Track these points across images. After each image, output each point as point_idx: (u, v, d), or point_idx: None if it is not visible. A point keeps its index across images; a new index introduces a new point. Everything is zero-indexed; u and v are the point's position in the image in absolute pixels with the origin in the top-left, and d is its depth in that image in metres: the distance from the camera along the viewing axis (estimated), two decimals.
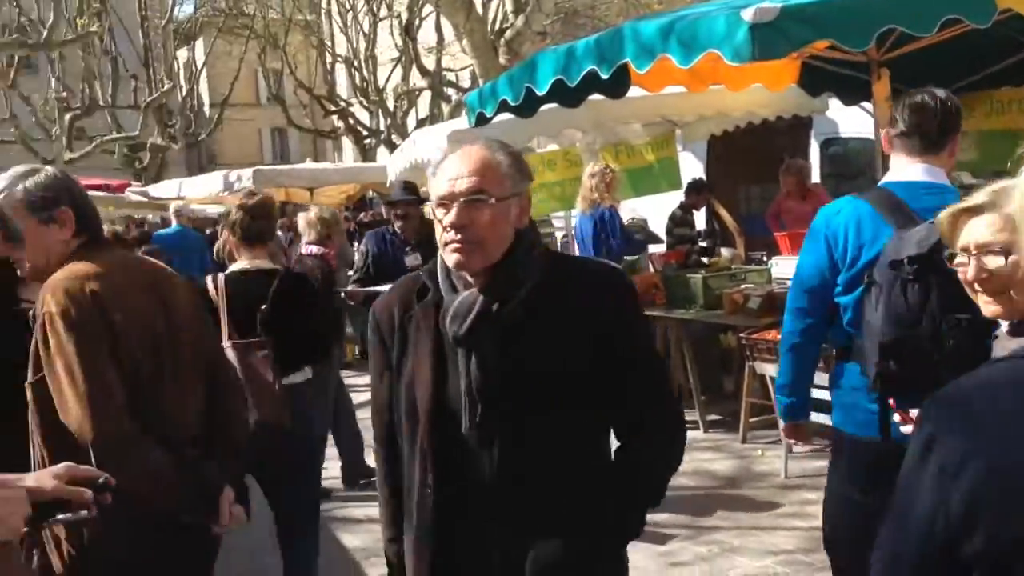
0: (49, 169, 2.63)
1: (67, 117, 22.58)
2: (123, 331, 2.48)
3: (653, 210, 9.67)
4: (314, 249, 5.82)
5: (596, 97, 6.14)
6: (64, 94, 23.49)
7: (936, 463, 1.12)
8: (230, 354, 3.85)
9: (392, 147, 23.75)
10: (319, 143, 36.70)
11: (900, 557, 1.18)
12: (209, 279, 4.08)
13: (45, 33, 15.30)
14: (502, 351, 1.96)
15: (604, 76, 5.16)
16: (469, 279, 2.00)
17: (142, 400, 2.48)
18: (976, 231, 2.09)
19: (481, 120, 6.51)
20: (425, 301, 2.06)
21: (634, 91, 6.09)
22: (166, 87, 23.74)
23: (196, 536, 2.56)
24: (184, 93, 28.74)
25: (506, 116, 6.37)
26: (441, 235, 1.97)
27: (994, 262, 2.03)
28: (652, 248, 8.56)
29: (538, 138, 8.50)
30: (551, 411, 1.95)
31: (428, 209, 7.29)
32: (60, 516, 1.88)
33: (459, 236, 1.93)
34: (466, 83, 22.43)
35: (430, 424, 1.99)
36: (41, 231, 2.48)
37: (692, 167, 10.04)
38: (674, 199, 9.43)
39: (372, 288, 5.82)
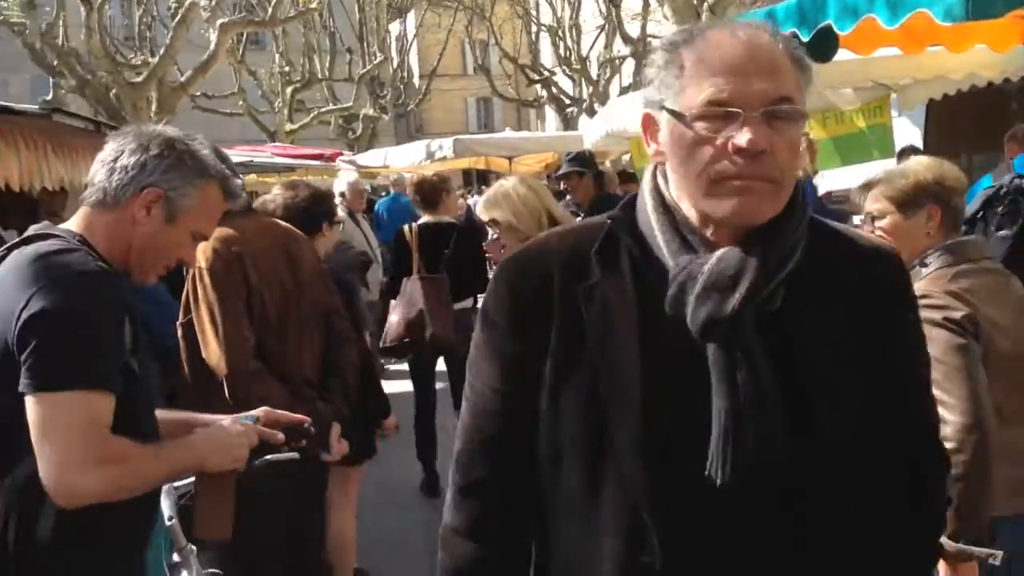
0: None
1: (288, 90, 23.94)
2: (256, 286, 3.03)
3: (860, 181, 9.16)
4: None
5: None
6: (287, 68, 24.91)
7: None
8: (417, 285, 5.26)
9: (594, 115, 23.71)
10: (522, 112, 37.22)
11: None
12: (405, 227, 5.62)
13: (271, 10, 16.25)
14: (772, 352, 1.26)
15: (804, 39, 4.93)
16: (711, 239, 1.29)
17: (268, 344, 3.05)
18: (867, 202, 2.63)
19: None
20: (616, 266, 1.32)
21: (843, 54, 5.78)
22: (378, 60, 24.71)
23: (310, 465, 2.80)
24: (395, 65, 29.81)
25: None
26: (704, 165, 1.23)
27: (878, 224, 2.53)
28: (856, 220, 8.14)
29: None
30: (846, 440, 1.27)
31: (612, 172, 7.27)
32: (270, 456, 2.03)
33: (752, 167, 1.22)
34: None
35: (644, 464, 1.25)
36: None
37: (908, 134, 9.45)
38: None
39: None
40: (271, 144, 20.34)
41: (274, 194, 3.77)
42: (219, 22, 15.12)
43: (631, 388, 1.26)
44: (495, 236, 3.63)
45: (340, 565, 3.92)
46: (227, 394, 2.99)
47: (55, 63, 16.71)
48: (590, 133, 9.78)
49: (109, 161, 1.89)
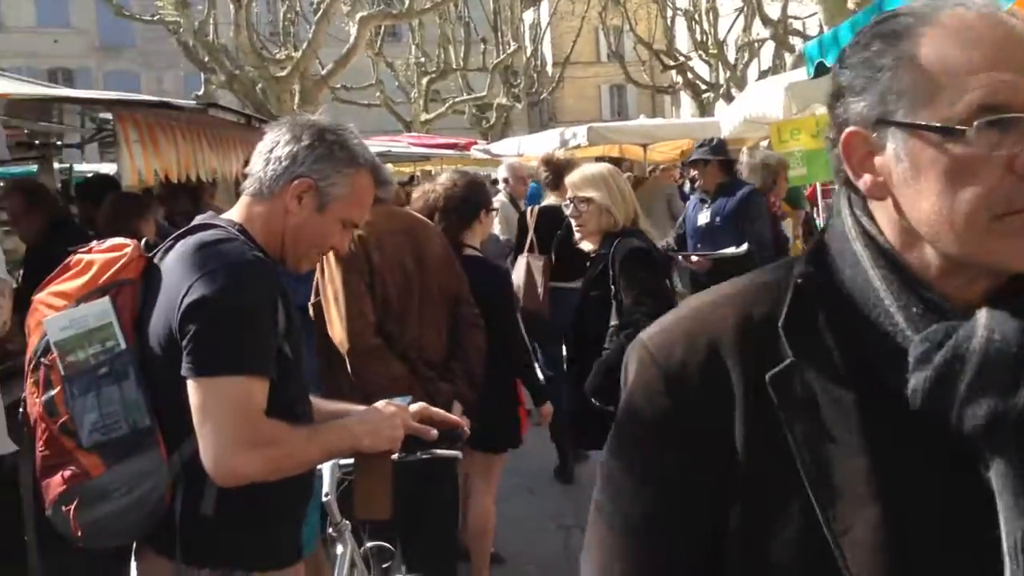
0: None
1: (424, 81, 24.38)
2: (378, 267, 3.21)
3: None
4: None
5: None
6: (422, 59, 25.36)
7: None
8: (522, 262, 5.66)
9: (731, 100, 23.21)
10: (656, 99, 36.74)
11: None
12: (528, 209, 5.98)
13: (408, 3, 16.57)
14: None
15: None
16: (955, 296, 0.94)
17: (389, 325, 3.22)
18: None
19: (821, 70, 6.16)
20: (818, 343, 0.96)
21: None
22: (512, 49, 24.84)
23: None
24: (528, 54, 29.92)
25: None
26: (983, 195, 0.89)
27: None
28: None
29: None
30: None
31: (746, 161, 7.13)
32: (436, 450, 2.09)
33: None
34: (812, 31, 21.33)
35: None
36: None
37: None
38: None
39: (722, 252, 5.74)
40: (407, 134, 20.76)
41: (435, 183, 3.97)
42: (359, 16, 15.51)
43: (867, 514, 0.90)
44: (576, 214, 3.68)
45: (478, 550, 3.99)
46: (349, 370, 3.19)
47: (206, 59, 17.52)
48: (727, 119, 9.57)
49: (265, 152, 1.96)
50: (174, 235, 1.95)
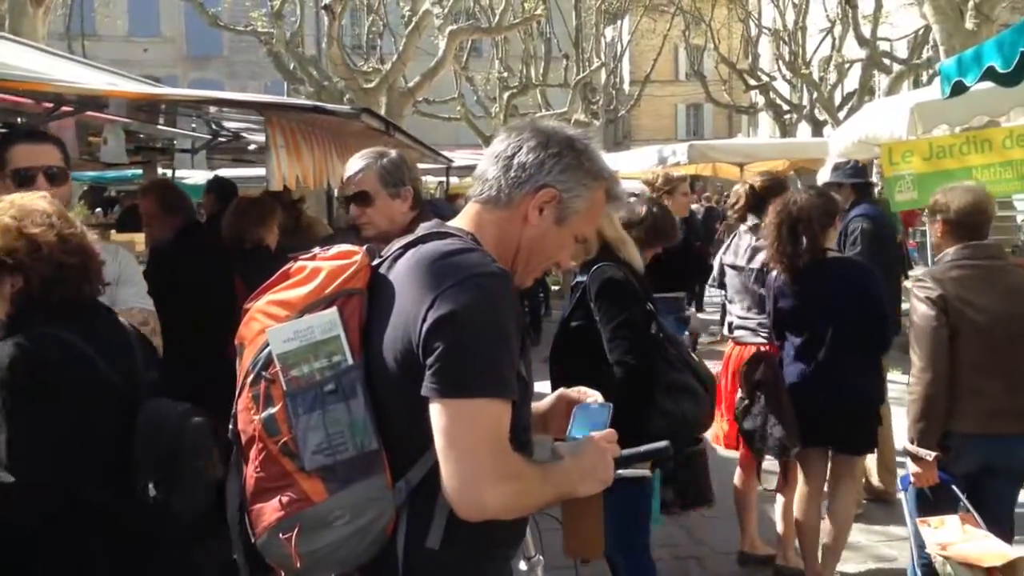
0: (394, 153, 3.30)
1: (505, 96, 24.37)
2: None
3: None
4: None
5: None
6: (504, 74, 25.37)
7: None
8: None
9: (815, 122, 22.82)
10: (734, 119, 36.30)
11: None
12: None
13: (496, 18, 16.57)
14: None
15: None
16: None
17: None
18: None
19: (958, 89, 5.91)
20: None
21: None
22: (595, 66, 24.72)
23: None
24: (608, 71, 29.79)
25: (985, 85, 5.74)
26: None
27: None
28: None
29: (1015, 110, 7.60)
30: None
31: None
32: (624, 472, 1.92)
33: None
34: (901, 53, 20.84)
35: None
36: (389, 202, 3.19)
37: None
38: None
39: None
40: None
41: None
42: (448, 30, 15.54)
43: None
44: None
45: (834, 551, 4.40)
46: None
47: (295, 70, 17.73)
48: (838, 139, 9.31)
49: (505, 157, 1.82)
50: (402, 244, 1.81)
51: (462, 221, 1.86)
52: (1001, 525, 3.53)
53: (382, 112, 15.78)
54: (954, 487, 3.46)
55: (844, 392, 4.16)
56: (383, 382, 1.70)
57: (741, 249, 4.95)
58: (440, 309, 1.62)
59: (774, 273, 4.41)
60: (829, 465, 4.46)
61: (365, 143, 5.79)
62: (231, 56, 38.32)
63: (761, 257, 4.70)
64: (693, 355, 3.71)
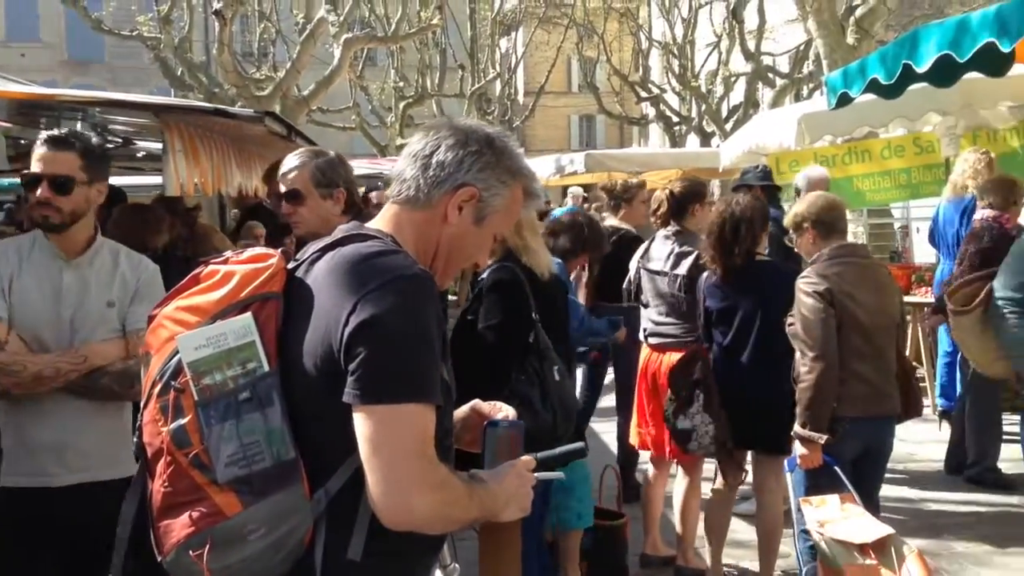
0: (332, 153, 3.28)
1: (401, 105, 24.25)
2: None
3: None
4: (988, 213, 5.98)
5: (971, 76, 5.61)
6: (400, 84, 25.25)
7: None
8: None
9: (703, 133, 23.45)
10: (626, 130, 36.97)
11: None
12: None
13: (392, 27, 16.48)
14: None
15: (1005, 49, 4.69)
16: None
17: None
18: None
19: (843, 100, 6.16)
20: None
21: (1017, 68, 5.51)
22: (490, 76, 24.83)
23: None
24: (503, 82, 29.95)
25: (868, 97, 6.01)
26: None
27: None
28: None
29: (895, 121, 7.94)
30: None
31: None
32: (537, 474, 1.90)
33: None
34: (784, 68, 21.62)
35: None
36: (320, 202, 3.18)
37: None
38: None
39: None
40: (387, 158, 20.60)
41: None
42: (344, 38, 15.37)
43: None
44: None
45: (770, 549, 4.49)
46: None
47: (183, 76, 17.26)
48: (728, 149, 9.59)
49: (423, 156, 1.78)
50: (320, 246, 1.77)
51: (381, 222, 1.82)
52: (871, 503, 3.87)
53: None
54: (836, 468, 3.72)
55: (769, 392, 4.22)
56: (301, 389, 1.64)
57: (664, 254, 4.97)
58: (362, 313, 1.57)
59: (705, 274, 4.47)
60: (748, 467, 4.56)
61: (265, 149, 5.66)
62: (113, 62, 37.09)
63: (687, 263, 4.76)
64: (568, 381, 3.84)
